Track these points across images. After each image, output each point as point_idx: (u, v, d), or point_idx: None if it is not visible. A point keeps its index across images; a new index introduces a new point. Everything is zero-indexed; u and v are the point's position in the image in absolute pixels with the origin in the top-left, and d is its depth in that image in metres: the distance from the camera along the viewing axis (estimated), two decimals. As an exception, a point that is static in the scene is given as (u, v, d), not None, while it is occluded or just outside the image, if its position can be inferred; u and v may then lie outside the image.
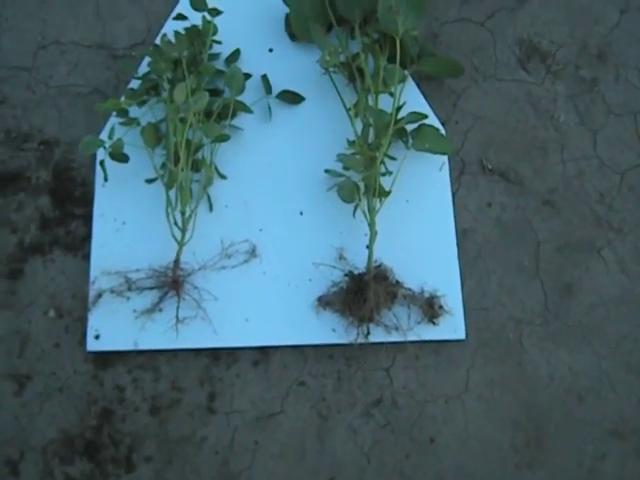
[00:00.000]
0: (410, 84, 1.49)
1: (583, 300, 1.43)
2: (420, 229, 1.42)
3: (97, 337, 1.35)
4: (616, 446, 1.35)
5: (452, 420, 1.36)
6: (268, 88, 1.49)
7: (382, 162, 1.38)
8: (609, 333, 1.41)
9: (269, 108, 1.49)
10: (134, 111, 1.44)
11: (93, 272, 1.38)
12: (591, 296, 1.43)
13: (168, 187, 1.37)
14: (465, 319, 1.38)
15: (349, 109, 1.42)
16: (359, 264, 1.36)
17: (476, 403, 1.37)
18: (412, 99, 1.47)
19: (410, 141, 1.42)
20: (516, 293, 1.43)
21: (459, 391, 1.37)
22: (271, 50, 1.55)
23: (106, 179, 1.42)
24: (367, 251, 1.35)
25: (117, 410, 1.35)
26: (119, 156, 1.39)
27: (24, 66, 1.57)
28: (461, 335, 1.37)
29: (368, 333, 1.34)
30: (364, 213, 1.36)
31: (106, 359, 1.37)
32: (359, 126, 1.41)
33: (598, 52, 1.60)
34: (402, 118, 1.40)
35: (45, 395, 1.36)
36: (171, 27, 1.48)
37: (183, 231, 1.35)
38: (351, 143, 1.42)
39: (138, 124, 1.42)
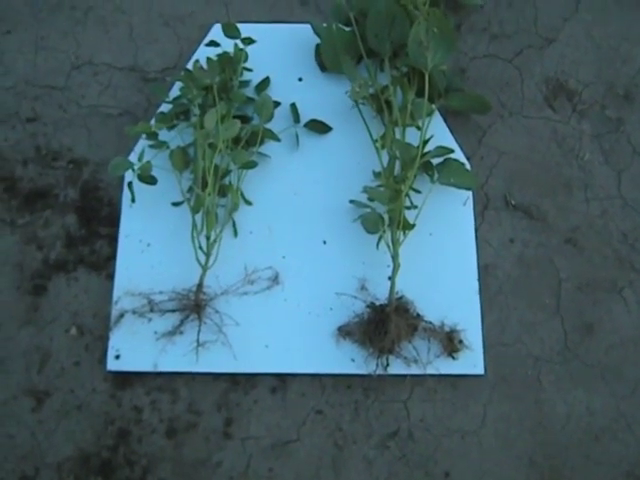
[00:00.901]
0: (437, 118, 1.51)
1: (603, 340, 1.43)
2: (442, 263, 1.43)
3: (117, 357, 1.36)
4: (632, 488, 1.35)
5: (468, 455, 1.35)
6: (296, 117, 1.51)
7: (407, 195, 1.39)
8: (628, 374, 1.41)
9: (297, 137, 1.50)
10: (163, 134, 1.46)
11: (116, 292, 1.40)
12: (611, 336, 1.43)
13: (194, 211, 1.38)
14: (484, 354, 1.38)
15: (376, 141, 1.44)
16: (380, 295, 1.37)
17: (492, 439, 1.36)
18: (439, 133, 1.48)
19: (436, 175, 1.43)
20: (536, 330, 1.43)
21: (476, 426, 1.37)
22: (301, 79, 1.57)
23: (133, 200, 1.44)
24: (389, 283, 1.35)
25: (134, 431, 1.35)
26: (147, 178, 1.41)
27: (57, 85, 1.60)
28: (480, 370, 1.37)
29: (387, 365, 1.34)
30: (387, 245, 1.37)
31: (125, 379, 1.38)
32: (385, 158, 1.43)
33: (624, 92, 1.61)
34: (428, 152, 1.42)
35: (63, 412, 1.36)
36: (202, 53, 1.51)
37: (207, 255, 1.37)
38: (377, 175, 1.43)
39: (167, 147, 1.44)
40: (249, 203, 1.46)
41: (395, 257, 1.35)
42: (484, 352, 1.38)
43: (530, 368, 1.40)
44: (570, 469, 1.35)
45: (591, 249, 1.49)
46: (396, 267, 1.35)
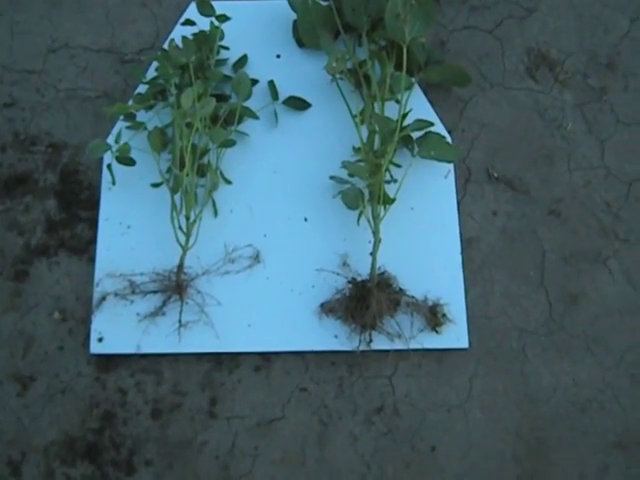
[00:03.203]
0: (417, 91, 1.49)
1: (588, 310, 1.42)
2: (425, 237, 1.42)
3: (100, 340, 1.36)
4: (619, 458, 1.34)
5: (453, 429, 1.35)
6: (275, 94, 1.50)
7: (387, 169, 1.38)
8: (613, 344, 1.40)
9: (275, 114, 1.49)
10: (141, 115, 1.45)
11: (97, 275, 1.39)
12: (596, 307, 1.42)
13: (173, 192, 1.37)
14: (468, 328, 1.37)
15: (355, 116, 1.42)
16: (362, 271, 1.37)
17: (478, 413, 1.36)
18: (419, 106, 1.47)
19: (416, 149, 1.42)
20: (520, 303, 1.42)
21: (461, 400, 1.36)
22: (278, 56, 1.56)
23: (114, 182, 1.44)
24: (371, 258, 1.34)
25: (119, 413, 1.35)
26: (126, 160, 1.40)
27: (34, 69, 1.58)
28: (464, 344, 1.37)
29: (370, 340, 1.34)
30: (368, 220, 1.36)
31: (109, 362, 1.38)
32: (365, 133, 1.42)
33: (607, 61, 1.59)
34: (408, 125, 1.40)
35: (48, 397, 1.36)
36: (179, 32, 1.50)
37: (187, 236, 1.36)
38: (356, 150, 1.42)
39: (145, 128, 1.43)
40: (228, 182, 1.45)
41: (376, 232, 1.35)
42: (468, 326, 1.38)
43: (515, 340, 1.40)
44: (557, 441, 1.35)
45: (575, 220, 1.48)
46: (377, 242, 1.34)
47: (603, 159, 1.52)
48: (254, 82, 1.49)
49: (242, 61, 1.52)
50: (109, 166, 1.42)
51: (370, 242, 1.36)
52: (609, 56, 1.60)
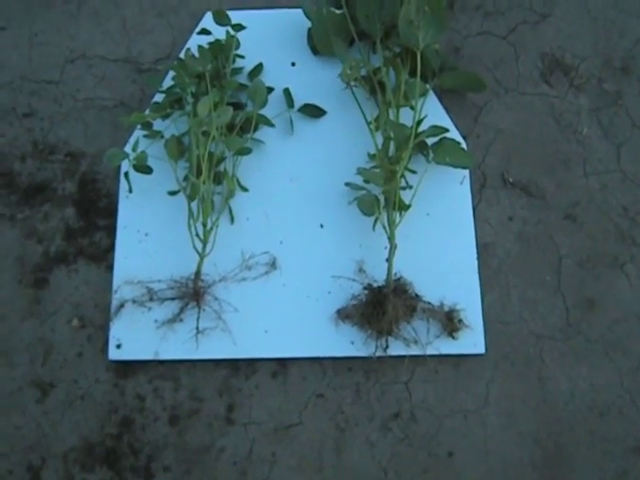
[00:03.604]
0: (431, 98, 1.50)
1: (605, 315, 1.41)
2: (440, 243, 1.42)
3: (119, 346, 1.37)
4: (638, 464, 1.33)
5: (471, 435, 1.35)
6: (290, 102, 1.51)
7: (402, 176, 1.38)
8: (631, 349, 1.39)
9: (291, 121, 1.50)
10: (158, 124, 1.47)
11: (116, 282, 1.41)
12: (613, 311, 1.42)
13: (190, 199, 1.38)
14: (485, 333, 1.37)
15: (370, 123, 1.43)
16: (378, 277, 1.37)
17: (495, 418, 1.36)
18: (433, 113, 1.47)
19: (431, 155, 1.42)
20: (537, 308, 1.42)
21: (478, 406, 1.36)
22: (293, 64, 1.57)
23: (130, 190, 1.45)
24: (387, 264, 1.35)
25: (137, 419, 1.36)
26: (143, 168, 1.41)
27: (52, 80, 1.60)
28: (481, 349, 1.37)
29: (387, 346, 1.34)
30: (384, 226, 1.37)
31: (127, 368, 1.39)
32: (380, 140, 1.42)
33: (622, 65, 1.59)
34: (423, 132, 1.41)
35: (67, 403, 1.38)
36: (195, 42, 1.51)
37: (204, 243, 1.37)
38: (372, 156, 1.43)
39: (162, 137, 1.44)
40: (245, 189, 1.46)
41: (392, 238, 1.35)
42: (485, 331, 1.37)
43: (532, 346, 1.40)
44: (575, 446, 1.34)
45: (591, 224, 1.47)
46: (393, 248, 1.35)
47: (619, 163, 1.52)
48: (270, 90, 1.50)
49: (258, 69, 1.54)
50: (126, 174, 1.43)
51: (386, 248, 1.37)
52: (624, 60, 1.59)
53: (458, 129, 1.50)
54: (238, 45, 1.50)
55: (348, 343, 1.36)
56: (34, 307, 1.43)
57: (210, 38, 1.50)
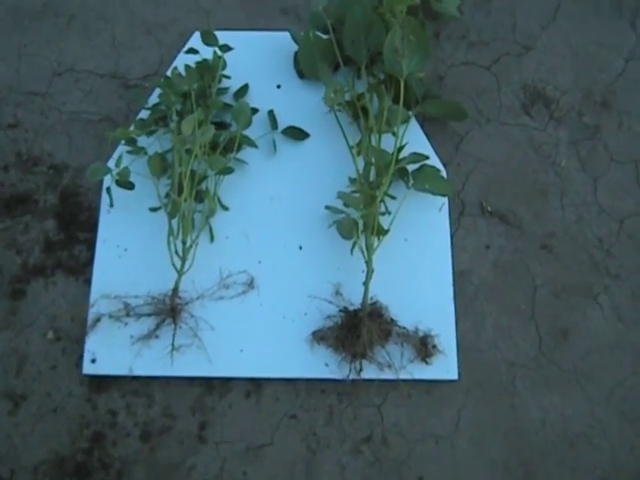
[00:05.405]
0: (414, 125, 1.52)
1: (578, 345, 1.43)
2: (417, 268, 1.44)
3: (93, 361, 1.37)
4: (606, 494, 1.35)
5: (441, 460, 1.36)
6: (274, 123, 1.52)
7: (382, 201, 1.40)
8: (603, 379, 1.41)
9: (274, 143, 1.52)
10: (142, 140, 1.48)
11: (93, 296, 1.41)
12: (586, 341, 1.43)
13: (171, 216, 1.39)
14: (458, 360, 1.39)
15: (352, 147, 1.45)
16: (355, 300, 1.38)
17: (466, 444, 1.37)
18: (415, 140, 1.49)
19: (411, 181, 1.44)
20: (511, 336, 1.43)
21: (449, 431, 1.37)
22: (279, 86, 1.59)
23: (112, 205, 1.46)
24: (363, 288, 1.36)
25: (109, 434, 1.36)
26: (125, 183, 1.42)
27: (39, 92, 1.61)
28: (453, 375, 1.38)
29: (361, 370, 1.35)
30: (362, 250, 1.38)
31: (101, 383, 1.39)
32: (361, 164, 1.44)
33: (602, 99, 1.62)
34: (404, 158, 1.43)
35: (39, 416, 1.37)
36: (183, 60, 1.53)
37: (183, 260, 1.38)
38: (352, 181, 1.44)
39: (145, 153, 1.45)
40: (225, 208, 1.47)
41: (369, 262, 1.36)
42: (458, 357, 1.39)
43: (505, 373, 1.41)
44: (545, 475, 1.35)
45: (567, 255, 1.49)
46: (370, 272, 1.36)
47: (596, 196, 1.54)
48: (254, 111, 1.52)
49: (243, 90, 1.55)
50: (108, 189, 1.44)
51: (363, 272, 1.38)
52: (604, 95, 1.63)
53: (439, 157, 1.52)
54: (225, 65, 1.52)
55: (322, 365, 1.37)
56: (10, 318, 1.43)
57: (197, 57, 1.51)
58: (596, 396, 1.40)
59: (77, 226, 1.49)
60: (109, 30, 1.68)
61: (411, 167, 1.45)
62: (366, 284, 1.36)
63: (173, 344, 1.36)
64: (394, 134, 1.43)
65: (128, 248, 1.45)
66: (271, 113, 1.53)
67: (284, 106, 1.55)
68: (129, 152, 1.46)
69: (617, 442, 1.37)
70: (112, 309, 1.39)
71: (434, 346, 1.37)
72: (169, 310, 1.37)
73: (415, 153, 1.44)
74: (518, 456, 1.36)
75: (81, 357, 1.38)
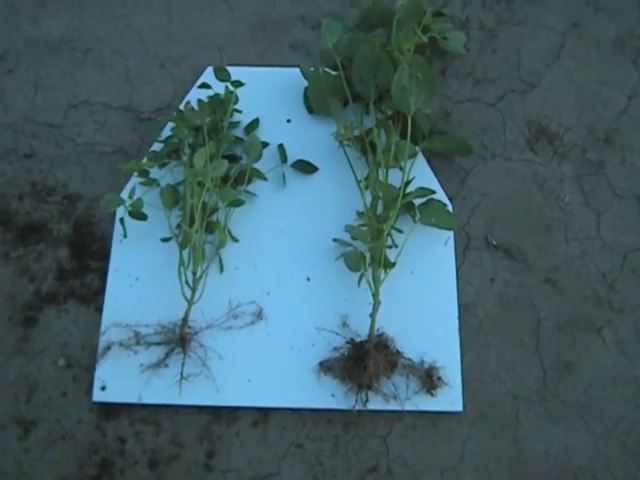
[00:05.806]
0: (420, 160, 1.55)
1: (581, 379, 1.45)
2: (423, 301, 1.46)
3: (103, 388, 1.39)
4: (609, 529, 1.35)
5: (446, 492, 1.37)
6: (284, 157, 1.56)
7: (389, 234, 1.43)
8: (606, 413, 1.42)
9: (283, 176, 1.55)
10: (155, 172, 1.51)
11: (104, 324, 1.43)
12: (589, 375, 1.45)
13: (182, 247, 1.42)
14: (463, 392, 1.40)
15: (360, 181, 1.48)
16: (362, 332, 1.40)
17: (471, 476, 1.38)
18: (422, 174, 1.53)
19: (417, 215, 1.47)
20: (515, 369, 1.45)
21: (454, 463, 1.38)
22: (289, 121, 1.62)
23: (125, 235, 1.49)
24: (370, 320, 1.38)
25: (117, 461, 1.37)
26: (138, 214, 1.45)
27: (54, 123, 1.65)
28: (458, 407, 1.39)
29: (367, 400, 1.37)
30: (369, 283, 1.40)
31: (110, 410, 1.41)
32: (369, 198, 1.47)
33: (605, 136, 1.65)
34: (410, 193, 1.46)
35: (48, 442, 1.39)
36: (195, 94, 1.57)
37: (193, 290, 1.40)
38: (360, 214, 1.47)
39: (158, 185, 1.49)
40: (235, 240, 1.50)
41: (376, 295, 1.39)
42: (463, 389, 1.40)
43: (509, 406, 1.42)
44: (548, 507, 1.36)
45: (570, 289, 1.51)
46: (377, 304, 1.38)
47: (599, 231, 1.57)
48: (264, 145, 1.55)
49: (254, 124, 1.59)
50: (122, 220, 1.47)
51: (370, 304, 1.40)
52: (607, 131, 1.66)
53: (445, 191, 1.55)
54: (236, 100, 1.56)
55: (329, 395, 1.39)
56: (22, 345, 1.46)
57: (210, 92, 1.55)
58: (599, 429, 1.41)
59: (89, 255, 1.52)
60: (123, 64, 1.72)
61: (418, 201, 1.48)
62: (373, 316, 1.38)
63: (182, 373, 1.38)
64: (401, 169, 1.47)
65: (139, 277, 1.47)
66: (281, 147, 1.57)
67: (294, 140, 1.59)
68: (142, 183, 1.49)
69: (620, 475, 1.38)
70: (122, 337, 1.42)
71: (439, 378, 1.39)
72: (179, 339, 1.39)
73: (422, 187, 1.47)
74: (522, 489, 1.37)
75: (91, 384, 1.40)
